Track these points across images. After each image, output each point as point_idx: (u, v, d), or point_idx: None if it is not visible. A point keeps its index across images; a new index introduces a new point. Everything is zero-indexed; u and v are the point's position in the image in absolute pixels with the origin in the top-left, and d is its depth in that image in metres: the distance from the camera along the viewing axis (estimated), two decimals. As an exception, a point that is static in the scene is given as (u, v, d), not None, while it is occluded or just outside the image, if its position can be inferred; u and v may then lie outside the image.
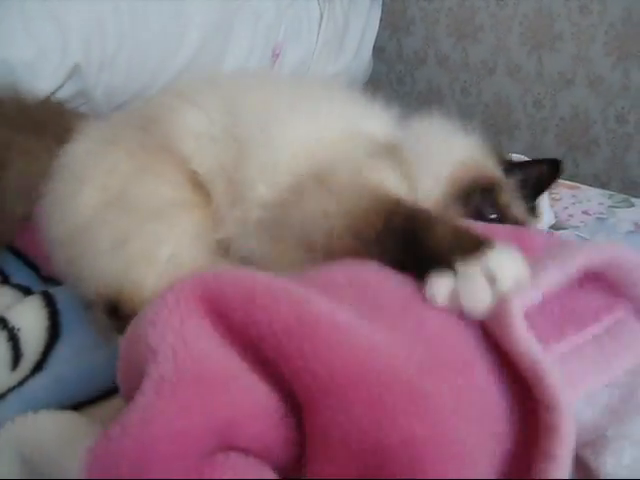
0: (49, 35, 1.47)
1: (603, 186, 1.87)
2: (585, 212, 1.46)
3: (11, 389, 0.92)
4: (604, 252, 0.74)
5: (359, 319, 0.65)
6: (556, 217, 1.42)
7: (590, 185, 1.72)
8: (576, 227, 1.39)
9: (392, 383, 0.60)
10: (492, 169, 1.05)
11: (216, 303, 0.66)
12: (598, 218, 1.43)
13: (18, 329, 1.00)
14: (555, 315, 0.74)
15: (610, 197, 1.56)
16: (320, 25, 2.19)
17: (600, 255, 0.74)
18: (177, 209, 0.96)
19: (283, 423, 0.64)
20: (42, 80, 1.46)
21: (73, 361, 0.97)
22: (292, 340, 0.62)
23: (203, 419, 0.59)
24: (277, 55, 2.03)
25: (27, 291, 1.14)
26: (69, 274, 1.00)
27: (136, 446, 0.56)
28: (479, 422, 0.61)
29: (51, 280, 1.18)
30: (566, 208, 1.49)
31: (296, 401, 0.64)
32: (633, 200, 1.53)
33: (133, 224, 0.93)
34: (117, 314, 0.88)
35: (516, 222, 1.00)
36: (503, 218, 0.99)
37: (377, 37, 2.54)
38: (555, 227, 1.39)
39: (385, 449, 0.57)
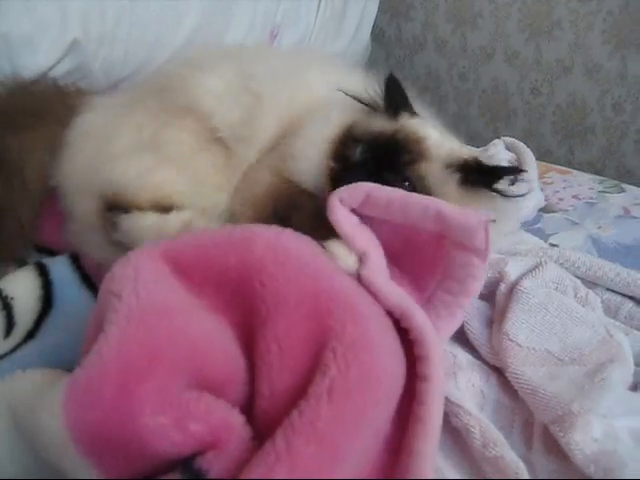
0: (48, 9, 1.46)
1: (598, 174, 1.88)
2: (575, 196, 1.47)
3: (2, 356, 0.94)
4: (356, 189, 0.88)
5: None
6: (546, 200, 1.43)
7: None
8: (565, 211, 1.39)
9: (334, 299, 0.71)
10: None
11: (172, 253, 0.75)
12: (587, 202, 1.43)
13: (12, 298, 1.02)
14: (414, 273, 0.88)
15: (601, 182, 1.57)
16: (318, 7, 2.19)
17: (351, 194, 0.87)
18: (198, 155, 1.10)
19: (236, 355, 0.71)
20: (40, 54, 1.46)
21: (65, 330, 0.99)
22: (246, 281, 0.72)
23: (171, 341, 0.64)
24: (275, 36, 2.03)
25: (21, 261, 1.15)
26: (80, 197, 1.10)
27: (117, 368, 0.60)
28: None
29: (45, 250, 1.19)
30: (557, 192, 1.50)
31: (247, 327, 0.72)
32: (624, 186, 1.54)
33: (156, 161, 1.07)
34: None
35: (386, 135, 1.04)
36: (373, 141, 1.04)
37: (376, 21, 2.54)
38: (545, 210, 1.40)
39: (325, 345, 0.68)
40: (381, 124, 1.05)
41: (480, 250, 0.85)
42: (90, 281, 1.08)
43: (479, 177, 1.01)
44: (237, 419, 0.65)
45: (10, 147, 1.13)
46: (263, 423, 0.67)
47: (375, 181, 0.95)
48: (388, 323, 0.76)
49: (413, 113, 1.09)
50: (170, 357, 0.63)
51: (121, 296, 0.66)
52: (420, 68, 2.71)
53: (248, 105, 1.13)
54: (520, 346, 0.86)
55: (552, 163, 1.82)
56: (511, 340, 0.87)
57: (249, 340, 0.72)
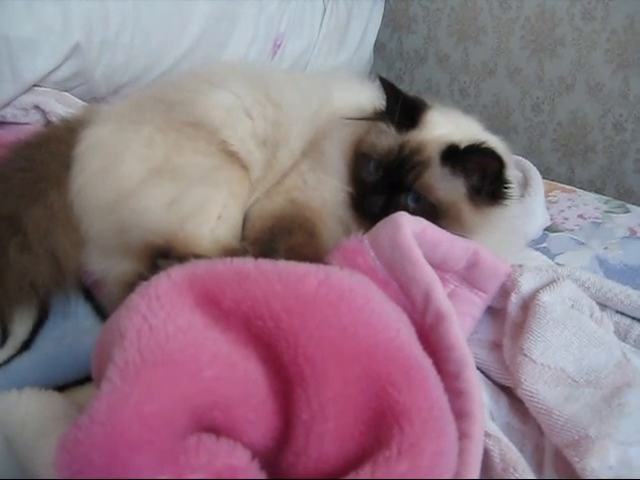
0: (50, 13, 1.45)
1: (598, 192, 1.88)
2: (581, 216, 1.46)
3: (-2, 366, 0.91)
4: (419, 222, 0.88)
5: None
6: (551, 219, 1.42)
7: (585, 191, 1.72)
8: (571, 230, 1.38)
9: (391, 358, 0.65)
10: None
11: (204, 284, 0.68)
12: (593, 222, 1.42)
13: (6, 306, 0.99)
14: None
15: (606, 202, 1.56)
16: (323, 19, 2.19)
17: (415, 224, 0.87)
18: (217, 173, 1.08)
19: (265, 406, 0.65)
20: (41, 58, 1.44)
21: (61, 342, 0.96)
22: (292, 316, 0.64)
23: (172, 402, 0.58)
24: (278, 46, 2.02)
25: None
26: (110, 237, 1.04)
27: (105, 433, 0.56)
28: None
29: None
30: (562, 211, 1.49)
31: (286, 377, 0.65)
32: (629, 206, 1.53)
33: (183, 188, 1.04)
34: (169, 257, 0.97)
35: (393, 152, 1.04)
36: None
37: (379, 34, 2.54)
38: (550, 229, 1.39)
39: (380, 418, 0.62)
40: (387, 139, 1.06)
41: (488, 294, 0.93)
42: (88, 292, 1.06)
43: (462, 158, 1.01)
44: (241, 459, 0.60)
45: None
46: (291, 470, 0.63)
47: (391, 202, 0.99)
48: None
49: (423, 107, 1.09)
50: (168, 421, 0.58)
51: (124, 339, 0.61)
52: (421, 82, 2.70)
53: (268, 115, 1.13)
54: (534, 362, 0.83)
55: (552, 181, 1.82)
56: (525, 355, 0.84)
57: (285, 380, 0.65)
